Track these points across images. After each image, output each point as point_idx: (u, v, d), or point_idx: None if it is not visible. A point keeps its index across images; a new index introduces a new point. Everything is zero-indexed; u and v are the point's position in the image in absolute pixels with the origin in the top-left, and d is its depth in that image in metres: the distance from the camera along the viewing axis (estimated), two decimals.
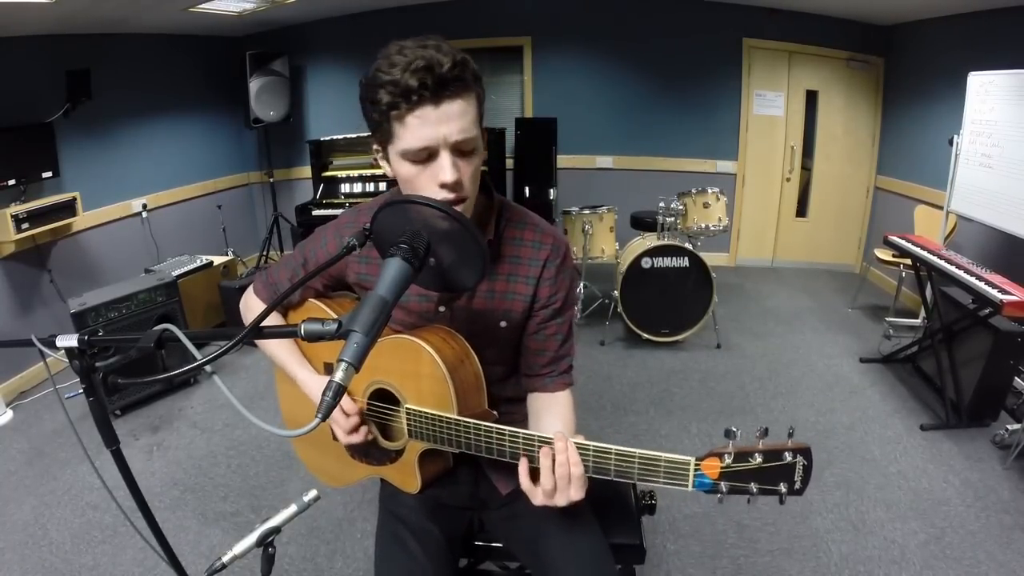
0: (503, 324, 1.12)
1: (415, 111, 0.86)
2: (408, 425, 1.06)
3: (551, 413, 1.14)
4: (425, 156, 0.90)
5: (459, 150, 0.91)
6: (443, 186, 0.91)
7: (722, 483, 0.83)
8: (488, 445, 0.98)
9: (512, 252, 1.10)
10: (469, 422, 0.98)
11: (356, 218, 1.15)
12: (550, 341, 1.15)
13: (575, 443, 0.91)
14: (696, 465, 0.84)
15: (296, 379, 1.19)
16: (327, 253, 1.16)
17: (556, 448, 0.91)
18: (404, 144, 0.90)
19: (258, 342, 1.17)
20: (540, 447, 0.92)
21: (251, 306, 1.27)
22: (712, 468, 0.83)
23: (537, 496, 0.93)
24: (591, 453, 0.90)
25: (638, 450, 0.87)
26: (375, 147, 0.98)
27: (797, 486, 0.82)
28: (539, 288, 1.11)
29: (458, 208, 0.91)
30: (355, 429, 1.09)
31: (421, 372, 1.02)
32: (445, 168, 0.90)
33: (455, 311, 1.12)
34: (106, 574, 2.04)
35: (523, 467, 0.94)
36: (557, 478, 0.90)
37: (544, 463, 0.91)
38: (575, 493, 0.91)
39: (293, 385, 1.20)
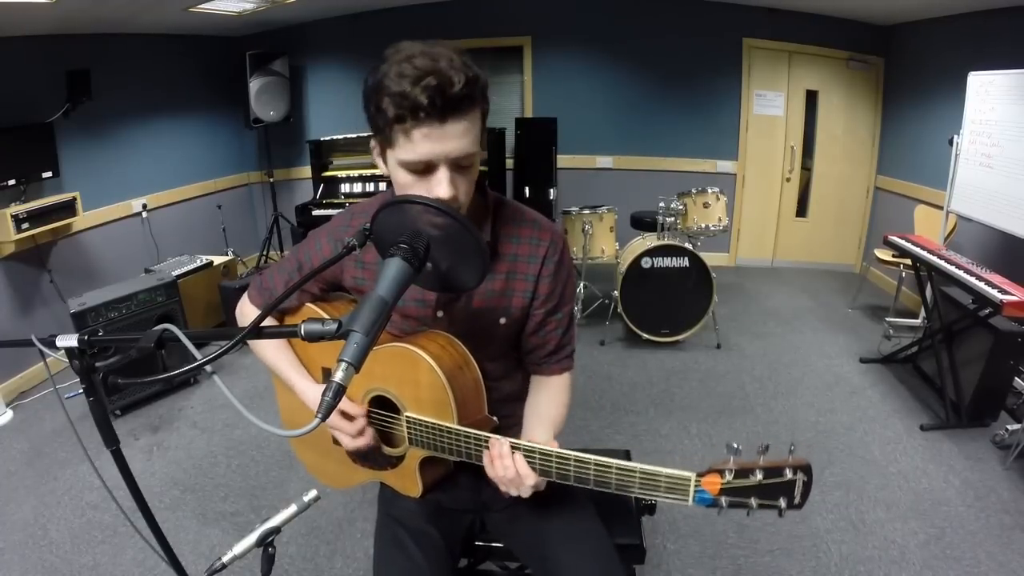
0: (503, 321, 1.12)
1: (420, 127, 0.86)
2: (408, 433, 1.06)
3: (543, 394, 1.18)
4: (423, 168, 0.90)
5: (457, 165, 0.91)
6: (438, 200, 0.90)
7: (722, 498, 0.83)
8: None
9: (510, 250, 1.10)
10: (470, 433, 0.98)
11: (350, 220, 1.15)
12: (550, 336, 1.16)
13: (582, 458, 0.91)
14: (697, 481, 0.84)
15: (294, 388, 1.18)
16: (321, 256, 1.15)
17: (493, 454, 0.97)
18: (404, 155, 0.89)
19: (254, 349, 1.19)
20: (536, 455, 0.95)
21: (246, 313, 1.26)
22: (713, 484, 0.83)
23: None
24: (591, 467, 0.90)
25: (639, 465, 0.86)
26: (373, 145, 0.97)
27: (796, 501, 0.82)
28: (539, 285, 1.11)
29: None
30: (361, 432, 1.08)
31: (420, 380, 1.02)
32: (442, 184, 0.89)
33: (454, 314, 1.11)
34: (106, 574, 2.04)
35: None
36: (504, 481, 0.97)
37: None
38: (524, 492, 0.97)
39: (292, 392, 1.20)
